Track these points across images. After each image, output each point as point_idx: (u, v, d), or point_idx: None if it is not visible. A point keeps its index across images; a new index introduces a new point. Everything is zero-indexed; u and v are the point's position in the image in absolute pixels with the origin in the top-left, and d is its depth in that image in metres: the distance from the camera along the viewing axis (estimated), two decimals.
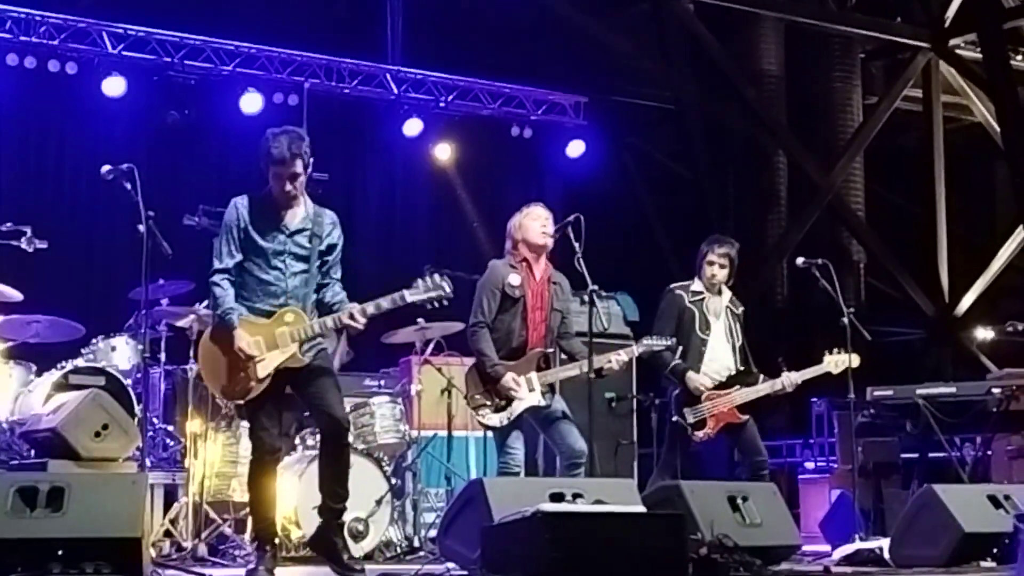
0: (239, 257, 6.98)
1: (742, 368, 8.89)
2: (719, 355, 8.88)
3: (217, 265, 6.96)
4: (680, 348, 8.81)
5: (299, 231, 7.04)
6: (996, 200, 20.50)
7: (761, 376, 8.86)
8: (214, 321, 7.03)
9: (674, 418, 8.80)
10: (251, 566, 6.93)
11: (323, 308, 7.16)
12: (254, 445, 7.11)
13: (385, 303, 7.18)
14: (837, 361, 9.01)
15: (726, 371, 8.85)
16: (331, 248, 7.20)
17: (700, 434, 8.76)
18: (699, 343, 8.86)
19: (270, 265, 6.99)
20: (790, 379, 8.83)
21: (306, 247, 7.07)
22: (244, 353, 6.83)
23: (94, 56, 13.35)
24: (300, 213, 7.11)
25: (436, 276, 7.30)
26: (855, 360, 9.06)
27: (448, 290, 7.27)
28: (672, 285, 9.02)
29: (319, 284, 7.16)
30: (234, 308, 6.88)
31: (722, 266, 8.95)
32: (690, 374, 8.75)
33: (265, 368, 6.86)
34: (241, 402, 6.96)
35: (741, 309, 9.14)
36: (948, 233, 17.89)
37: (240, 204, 7.04)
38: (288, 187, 6.99)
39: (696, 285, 8.99)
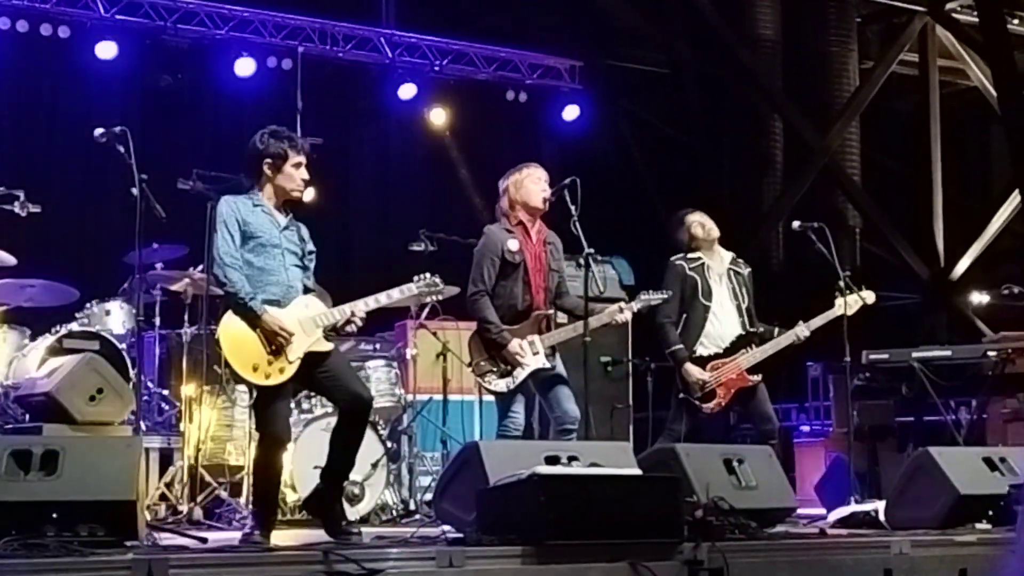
0: (240, 247, 6.88)
1: (750, 330, 8.89)
2: (724, 320, 8.87)
3: (225, 250, 6.82)
4: (683, 316, 8.81)
5: (288, 228, 7.05)
6: (992, 164, 20.49)
7: (776, 329, 8.86)
8: (232, 306, 6.83)
9: (681, 395, 8.81)
10: (247, 530, 6.92)
11: None
12: (268, 430, 6.86)
13: (383, 298, 7.25)
14: (850, 302, 9.00)
15: (730, 336, 8.83)
16: (311, 253, 7.21)
17: (711, 405, 8.76)
18: (702, 310, 8.86)
19: (270, 256, 6.92)
20: (804, 328, 8.84)
21: (296, 244, 7.07)
22: (282, 334, 6.72)
23: (87, 20, 13.28)
24: (283, 214, 7.10)
25: (429, 275, 7.51)
26: (870, 297, 9.05)
27: (443, 288, 7.54)
28: (673, 258, 9.01)
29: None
30: (254, 293, 6.78)
31: (703, 224, 8.96)
32: (687, 366, 8.75)
33: (295, 352, 6.77)
34: (272, 383, 6.75)
35: (748, 270, 9.12)
36: (944, 197, 17.90)
37: (233, 200, 6.98)
38: (302, 184, 7.06)
39: (692, 252, 8.98)
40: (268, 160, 7.06)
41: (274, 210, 7.02)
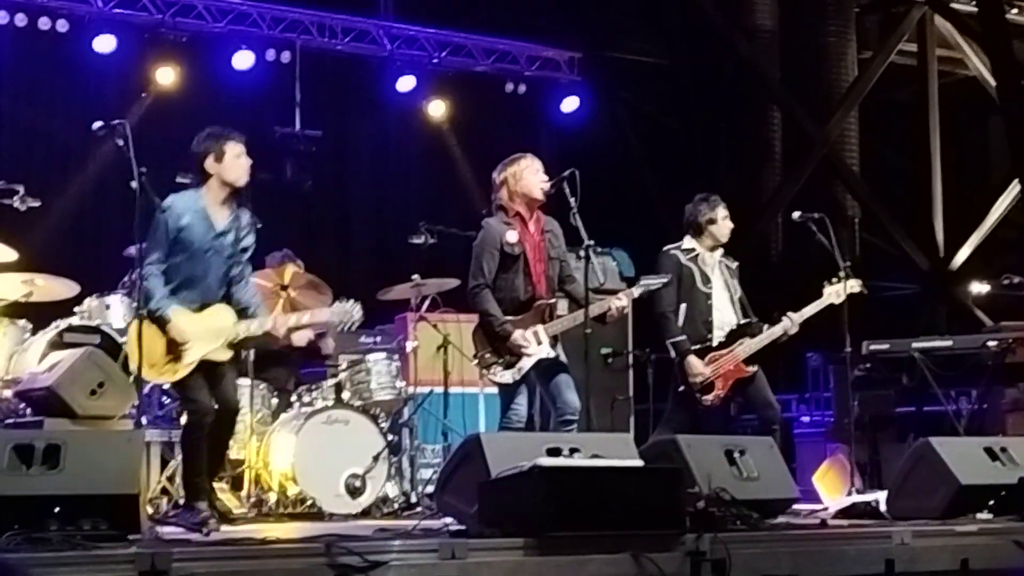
0: (168, 250, 7.45)
1: (744, 321, 8.90)
2: (723, 308, 8.89)
3: (149, 260, 7.41)
4: (684, 307, 8.82)
5: (225, 232, 7.49)
6: (991, 154, 20.46)
7: (765, 325, 8.86)
8: (145, 309, 7.39)
9: (680, 388, 8.81)
10: (195, 520, 7.11)
11: (238, 307, 7.65)
12: (189, 411, 7.59)
13: (305, 318, 7.87)
14: (838, 290, 9.01)
15: (727, 326, 8.85)
16: (245, 250, 7.67)
17: (710, 397, 8.77)
18: (703, 297, 8.87)
19: (197, 264, 7.48)
20: (793, 320, 8.84)
21: (230, 246, 7.52)
22: (182, 344, 7.35)
23: (85, 14, 13.31)
24: (227, 213, 7.56)
25: (350, 303, 7.87)
26: (856, 285, 9.05)
27: (357, 317, 7.87)
28: (665, 247, 9.00)
29: (231, 280, 7.63)
30: (167, 299, 7.38)
31: (726, 221, 8.99)
32: (689, 359, 8.75)
33: (190, 357, 7.38)
34: (163, 381, 7.68)
35: (736, 264, 9.13)
36: (943, 187, 17.89)
37: (173, 206, 7.47)
38: (246, 172, 7.51)
39: (687, 243, 8.98)
40: (211, 156, 7.53)
41: (217, 210, 7.52)
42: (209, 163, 7.55)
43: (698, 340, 8.82)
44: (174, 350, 7.39)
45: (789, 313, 8.87)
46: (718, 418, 9.04)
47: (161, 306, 7.36)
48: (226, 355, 7.53)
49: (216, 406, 7.51)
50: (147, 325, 7.34)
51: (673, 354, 8.85)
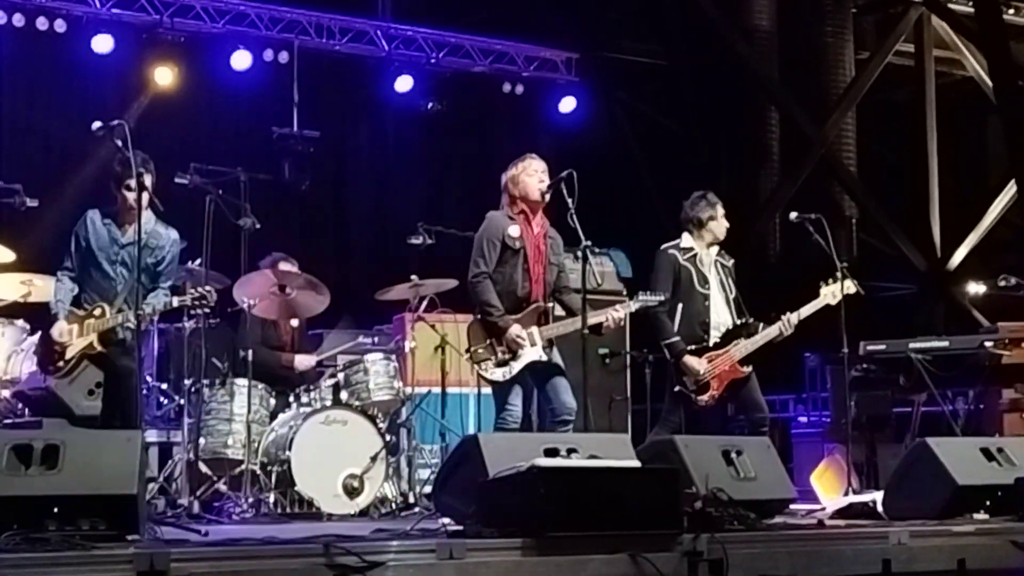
0: (79, 260, 8.15)
1: (739, 321, 8.90)
2: (719, 309, 8.90)
3: (63, 263, 8.17)
4: (680, 307, 8.83)
5: (131, 244, 7.89)
6: (988, 155, 20.48)
7: (760, 324, 8.87)
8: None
9: (676, 388, 8.82)
10: None
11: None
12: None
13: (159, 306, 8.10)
14: (834, 291, 9.02)
15: (723, 327, 8.86)
16: (161, 261, 8.15)
17: (705, 398, 8.77)
18: (701, 299, 8.87)
19: (100, 268, 8.08)
20: (789, 320, 8.85)
21: (132, 258, 7.89)
22: (58, 341, 7.98)
23: (83, 14, 13.31)
24: (129, 230, 7.98)
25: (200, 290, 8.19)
26: (851, 287, 9.06)
27: (211, 299, 8.19)
28: (663, 246, 9.01)
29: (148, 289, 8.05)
30: (62, 303, 8.04)
31: (722, 220, 8.99)
32: (686, 358, 8.76)
33: (70, 352, 7.99)
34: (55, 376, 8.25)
35: (731, 262, 9.14)
36: (940, 188, 17.91)
37: (87, 218, 8.17)
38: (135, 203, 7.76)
39: (685, 242, 8.98)
40: (114, 183, 7.98)
41: (121, 226, 8.05)
42: (114, 188, 8.05)
43: (694, 341, 8.82)
44: (60, 348, 8.04)
45: (786, 314, 8.87)
46: (715, 418, 9.05)
47: (54, 306, 8.10)
48: (96, 349, 8.00)
49: None
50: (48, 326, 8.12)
51: (668, 355, 8.86)
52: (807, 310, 8.94)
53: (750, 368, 8.83)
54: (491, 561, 5.72)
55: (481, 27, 15.54)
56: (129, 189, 7.78)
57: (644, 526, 6.04)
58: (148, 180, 7.76)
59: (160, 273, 8.13)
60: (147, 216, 7.88)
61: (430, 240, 10.35)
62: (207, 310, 8.47)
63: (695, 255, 8.94)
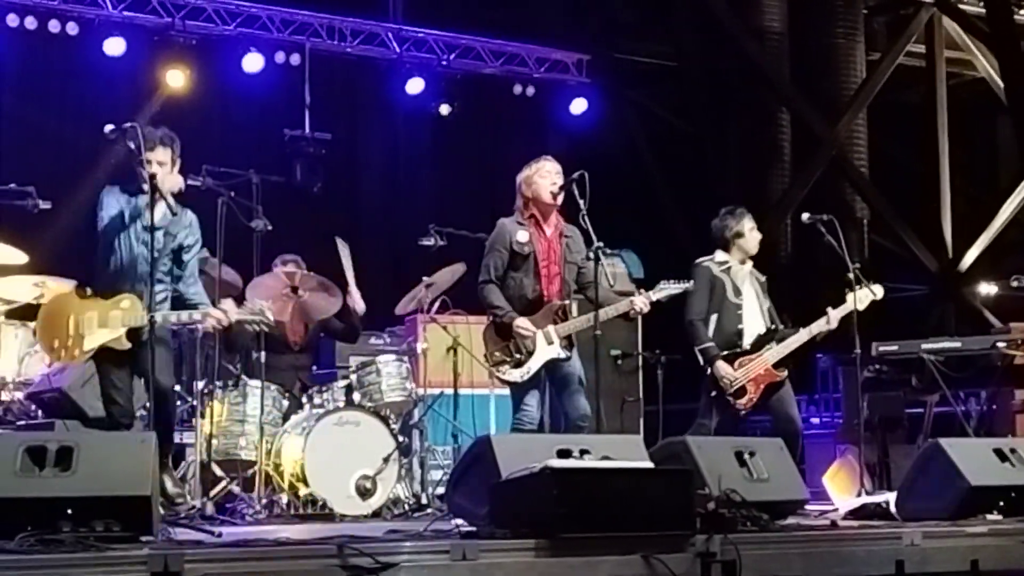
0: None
1: (770, 327, 8.99)
2: (753, 318, 8.99)
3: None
4: (715, 317, 8.93)
5: (156, 228, 7.43)
6: (999, 155, 20.46)
7: (799, 328, 8.99)
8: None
9: (712, 393, 8.88)
10: None
11: (180, 303, 7.78)
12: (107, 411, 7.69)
13: (185, 316, 7.75)
14: (860, 296, 9.09)
15: (756, 334, 8.94)
16: (184, 248, 7.78)
17: (743, 402, 8.87)
18: (734, 308, 9.00)
19: (120, 253, 7.64)
20: (831, 317, 8.96)
21: (159, 242, 7.51)
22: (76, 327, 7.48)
23: (95, 17, 13.34)
24: (161, 208, 7.54)
25: (261, 302, 8.00)
26: (879, 291, 9.14)
27: (270, 318, 8.00)
28: (698, 260, 9.12)
29: (176, 278, 7.77)
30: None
31: (754, 232, 9.15)
32: (718, 364, 8.84)
33: (89, 343, 7.49)
34: (60, 362, 7.78)
35: (764, 278, 9.25)
36: (951, 188, 17.89)
37: (106, 193, 7.76)
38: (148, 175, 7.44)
39: (720, 256, 9.12)
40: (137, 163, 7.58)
41: (145, 204, 7.49)
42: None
43: (727, 348, 8.95)
44: (77, 335, 7.54)
45: (831, 309, 8.94)
46: (730, 417, 9.08)
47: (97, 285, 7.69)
48: (125, 345, 7.55)
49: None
50: (57, 301, 7.71)
51: (701, 361, 8.92)
52: (838, 314, 9.00)
53: (785, 372, 8.93)
54: (504, 562, 5.73)
55: (492, 29, 15.55)
56: (149, 164, 7.54)
57: (657, 527, 6.04)
58: (166, 155, 7.66)
59: (186, 263, 7.84)
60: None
61: (441, 242, 10.36)
62: (264, 327, 8.33)
63: (729, 267, 9.07)
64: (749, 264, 9.20)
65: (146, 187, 7.50)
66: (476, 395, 10.67)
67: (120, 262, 7.69)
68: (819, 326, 8.97)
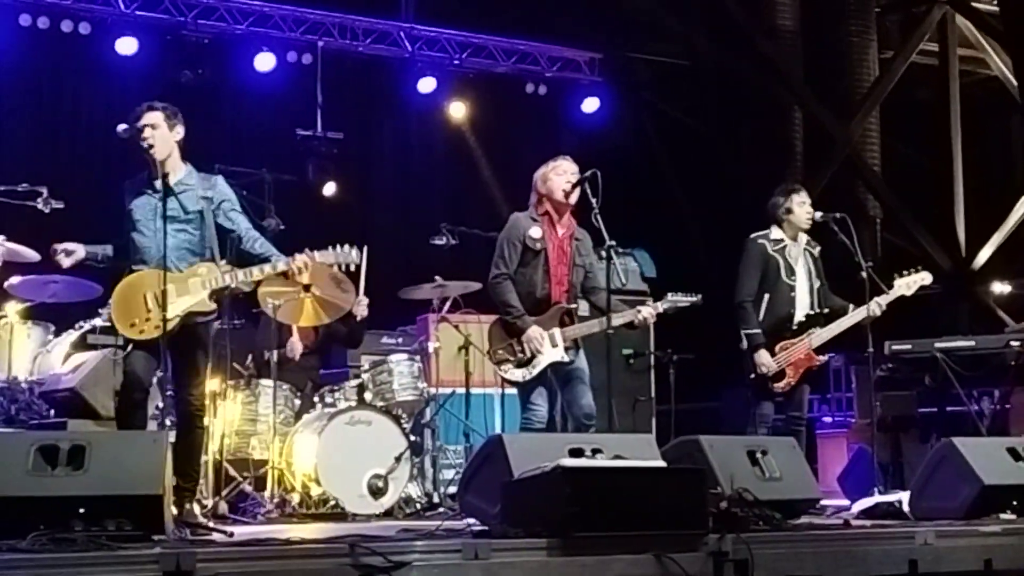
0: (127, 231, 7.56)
1: (817, 310, 9.01)
2: (803, 301, 9.04)
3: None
4: (767, 297, 8.94)
5: (179, 193, 7.45)
6: (1012, 153, 20.38)
7: (851, 305, 9.00)
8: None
9: (752, 375, 8.90)
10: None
11: (249, 259, 7.58)
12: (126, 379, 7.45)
13: (317, 256, 7.59)
14: (909, 282, 9.21)
15: (804, 316, 8.97)
16: (223, 210, 7.60)
17: (781, 385, 8.90)
18: (787, 289, 9.01)
19: (144, 232, 7.46)
20: (879, 303, 9.00)
21: (176, 210, 7.43)
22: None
23: (107, 16, 13.37)
24: (179, 173, 7.57)
25: (348, 246, 7.72)
26: (927, 277, 9.31)
27: (356, 259, 7.79)
28: (753, 235, 9.11)
29: (233, 246, 7.60)
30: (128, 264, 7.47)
31: (805, 206, 9.17)
32: (759, 353, 8.86)
33: (173, 310, 7.21)
34: (142, 338, 7.29)
35: (818, 249, 9.27)
36: (964, 187, 17.82)
37: (126, 192, 7.62)
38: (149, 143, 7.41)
39: (775, 233, 9.13)
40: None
41: (156, 180, 7.43)
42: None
43: (777, 331, 8.95)
44: (149, 308, 7.32)
45: (877, 297, 8.94)
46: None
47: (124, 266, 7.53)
48: (209, 306, 7.43)
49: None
50: (125, 284, 7.40)
51: (744, 344, 8.91)
52: (886, 299, 9.02)
53: (825, 357, 9.03)
54: (516, 561, 5.73)
55: (504, 28, 15.56)
56: (143, 137, 7.43)
57: (669, 526, 6.03)
58: (156, 117, 7.53)
59: (236, 223, 7.62)
60: (187, 168, 7.64)
61: (454, 241, 10.37)
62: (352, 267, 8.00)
63: (784, 246, 9.06)
64: (804, 238, 9.19)
65: (158, 184, 7.47)
66: (487, 394, 10.67)
67: (144, 243, 7.49)
68: (862, 312, 8.96)
